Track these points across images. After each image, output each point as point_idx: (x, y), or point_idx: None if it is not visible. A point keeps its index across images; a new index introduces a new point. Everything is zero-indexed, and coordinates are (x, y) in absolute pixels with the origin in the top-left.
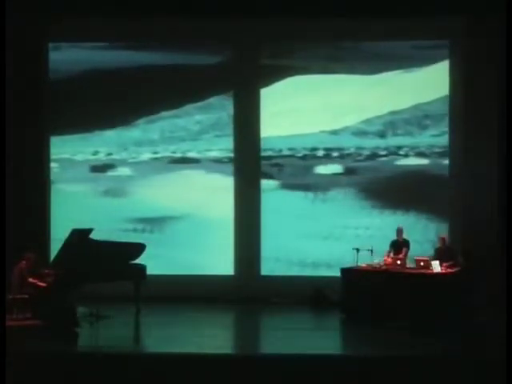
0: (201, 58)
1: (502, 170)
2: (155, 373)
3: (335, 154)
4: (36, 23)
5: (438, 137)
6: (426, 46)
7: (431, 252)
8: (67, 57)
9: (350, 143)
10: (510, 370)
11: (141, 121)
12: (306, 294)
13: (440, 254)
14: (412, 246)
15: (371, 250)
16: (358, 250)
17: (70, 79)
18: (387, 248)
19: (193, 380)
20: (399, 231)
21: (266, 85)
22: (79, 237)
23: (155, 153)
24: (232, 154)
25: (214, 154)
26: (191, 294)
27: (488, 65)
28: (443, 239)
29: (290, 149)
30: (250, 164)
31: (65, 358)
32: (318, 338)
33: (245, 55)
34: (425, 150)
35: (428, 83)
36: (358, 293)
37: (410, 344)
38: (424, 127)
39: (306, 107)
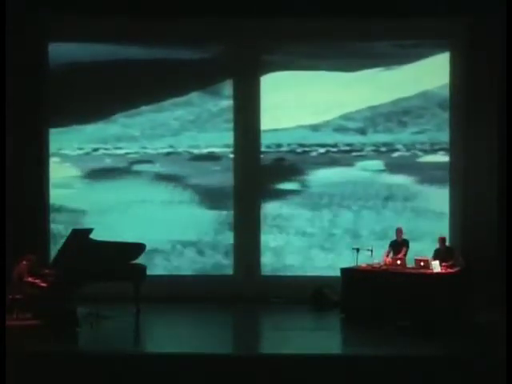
0: (188, 54)
1: (502, 169)
2: (155, 373)
3: (321, 150)
4: (36, 23)
5: (421, 134)
6: (407, 45)
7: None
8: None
9: (331, 139)
10: (510, 369)
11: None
12: (306, 294)
13: (439, 255)
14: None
15: (371, 250)
16: (358, 249)
17: (53, 73)
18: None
19: (193, 380)
20: (398, 231)
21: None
22: (79, 237)
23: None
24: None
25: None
26: (191, 294)
27: (488, 64)
28: (443, 240)
29: (277, 145)
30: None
31: (65, 357)
32: (318, 338)
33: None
34: (426, 147)
35: (409, 81)
36: (357, 293)
37: (410, 344)
38: (413, 124)
39: (287, 103)
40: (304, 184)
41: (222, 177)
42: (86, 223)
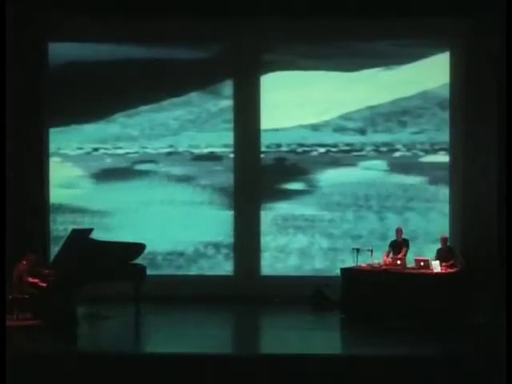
0: (189, 54)
1: (502, 169)
2: (155, 373)
3: (321, 149)
4: (36, 23)
5: (420, 134)
6: (407, 44)
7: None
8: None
9: (331, 139)
10: (510, 369)
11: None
12: (306, 294)
13: (441, 255)
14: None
15: (371, 250)
16: (358, 249)
17: (53, 73)
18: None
19: (193, 380)
20: (398, 231)
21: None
22: (79, 237)
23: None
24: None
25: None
26: (191, 294)
27: (488, 64)
28: (445, 239)
29: (277, 144)
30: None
31: (65, 357)
32: (318, 338)
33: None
34: (426, 147)
35: (409, 80)
36: (357, 293)
37: (410, 344)
38: (413, 124)
39: (287, 103)
40: (304, 184)
41: (223, 177)
42: (87, 223)
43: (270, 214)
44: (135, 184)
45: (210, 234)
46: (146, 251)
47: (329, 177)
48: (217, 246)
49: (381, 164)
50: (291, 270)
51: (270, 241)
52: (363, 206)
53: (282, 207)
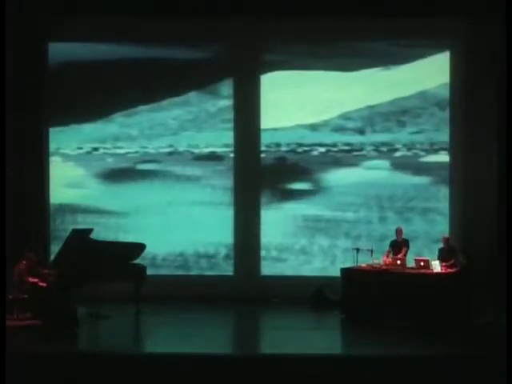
0: (188, 54)
1: (502, 168)
2: (155, 373)
3: (321, 149)
4: (36, 23)
5: (419, 133)
6: (406, 44)
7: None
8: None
9: (330, 139)
10: (510, 369)
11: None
12: (306, 294)
13: (443, 254)
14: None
15: (371, 250)
16: (357, 249)
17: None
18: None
19: (193, 380)
20: (398, 231)
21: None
22: (79, 237)
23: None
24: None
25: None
26: (191, 294)
27: (487, 64)
28: (447, 239)
29: (277, 144)
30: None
31: (65, 357)
32: (318, 338)
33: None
34: (425, 147)
35: (408, 80)
36: (357, 293)
37: (410, 344)
38: (412, 124)
39: (286, 102)
40: (305, 184)
41: (223, 176)
42: (87, 223)
43: (270, 214)
44: (135, 184)
45: (210, 234)
46: (146, 251)
47: (329, 177)
48: (217, 246)
49: (381, 164)
50: (291, 269)
51: (270, 241)
52: (363, 206)
53: (283, 207)
